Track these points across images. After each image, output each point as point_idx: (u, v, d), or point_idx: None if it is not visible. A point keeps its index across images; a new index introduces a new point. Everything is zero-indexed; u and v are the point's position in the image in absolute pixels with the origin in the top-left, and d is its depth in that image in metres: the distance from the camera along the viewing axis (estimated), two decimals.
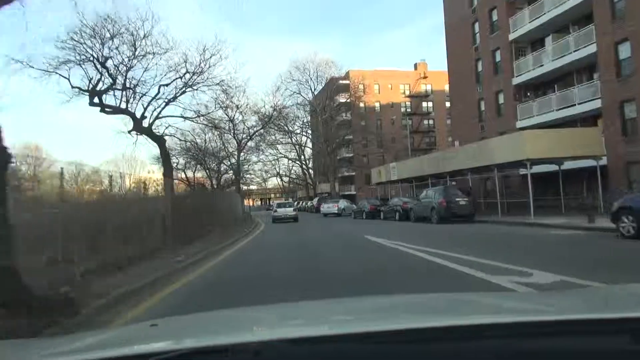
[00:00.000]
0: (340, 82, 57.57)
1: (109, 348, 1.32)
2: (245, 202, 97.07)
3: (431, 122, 66.01)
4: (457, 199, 21.11)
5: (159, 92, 20.72)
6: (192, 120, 23.85)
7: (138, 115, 20.08)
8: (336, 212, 36.49)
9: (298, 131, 59.26)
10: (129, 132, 20.88)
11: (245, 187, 65.87)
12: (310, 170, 63.88)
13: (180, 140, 32.50)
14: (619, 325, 1.18)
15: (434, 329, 1.23)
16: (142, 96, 20.18)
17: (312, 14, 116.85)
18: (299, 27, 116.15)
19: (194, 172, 57.65)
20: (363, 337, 1.20)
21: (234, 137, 39.06)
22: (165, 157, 21.52)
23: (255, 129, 39.52)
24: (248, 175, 65.41)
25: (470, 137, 29.60)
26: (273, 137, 55.28)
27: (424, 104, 65.83)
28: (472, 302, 1.93)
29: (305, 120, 59.18)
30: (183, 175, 57.18)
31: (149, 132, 20.63)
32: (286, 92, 53.62)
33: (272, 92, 37.19)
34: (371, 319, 1.67)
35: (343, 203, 39.08)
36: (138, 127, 20.25)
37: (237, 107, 32.76)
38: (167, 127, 22.80)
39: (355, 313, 1.83)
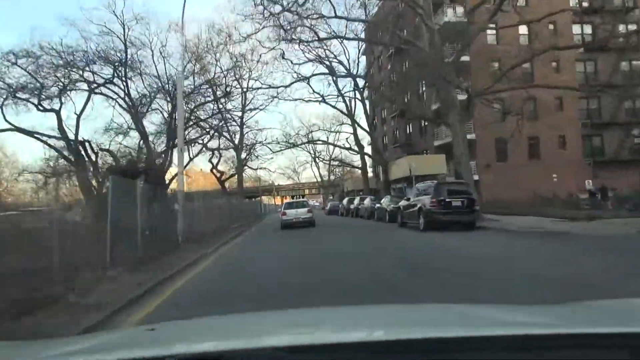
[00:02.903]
0: None
1: (105, 352, 1.33)
2: (273, 200, 70.13)
3: (631, 28, 35.06)
4: None
5: None
6: None
7: None
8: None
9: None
10: None
11: (250, 169, 42.09)
12: (375, 130, 36.19)
13: None
14: (618, 340, 1.18)
15: (434, 340, 1.19)
16: None
17: None
18: None
19: (76, 125, 22.14)
20: (360, 346, 1.17)
21: None
22: None
23: None
24: (257, 154, 40.71)
25: None
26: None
27: None
28: (471, 314, 1.87)
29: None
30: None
31: None
32: None
33: None
34: (369, 328, 1.61)
35: None
36: None
37: None
38: None
39: (354, 322, 1.78)
